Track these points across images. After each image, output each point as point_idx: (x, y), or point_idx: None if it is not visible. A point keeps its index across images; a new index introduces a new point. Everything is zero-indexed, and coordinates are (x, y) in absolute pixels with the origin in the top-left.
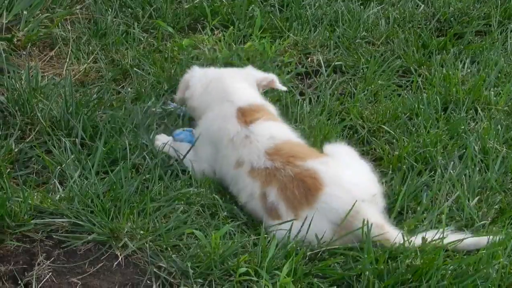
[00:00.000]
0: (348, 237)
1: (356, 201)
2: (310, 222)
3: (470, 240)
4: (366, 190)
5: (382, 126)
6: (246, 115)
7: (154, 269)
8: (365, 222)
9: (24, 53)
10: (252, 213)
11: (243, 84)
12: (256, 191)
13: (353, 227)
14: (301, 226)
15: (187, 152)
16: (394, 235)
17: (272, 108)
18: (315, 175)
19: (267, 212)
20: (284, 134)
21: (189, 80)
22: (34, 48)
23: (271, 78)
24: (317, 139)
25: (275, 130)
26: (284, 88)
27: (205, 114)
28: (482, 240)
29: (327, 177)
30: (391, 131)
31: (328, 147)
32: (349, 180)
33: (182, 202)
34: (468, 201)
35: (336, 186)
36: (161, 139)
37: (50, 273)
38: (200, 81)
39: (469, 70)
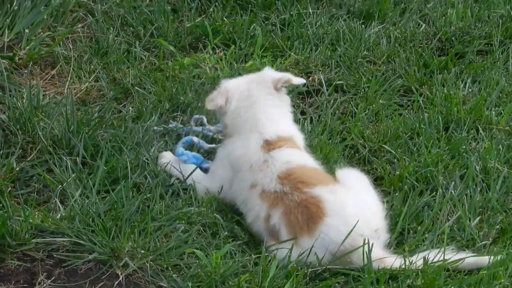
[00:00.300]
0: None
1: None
2: (311, 249)
3: (471, 260)
4: (368, 225)
5: (383, 145)
6: (270, 144)
7: None
8: (365, 241)
9: (26, 71)
10: (256, 234)
11: (276, 110)
12: (262, 212)
13: (351, 262)
14: (302, 253)
15: (191, 174)
16: (393, 263)
17: (299, 139)
18: (320, 203)
19: (269, 234)
20: (301, 160)
21: (228, 91)
22: (36, 67)
23: (286, 77)
24: (318, 159)
25: (293, 156)
26: (302, 81)
27: (233, 138)
28: (483, 259)
29: (331, 207)
30: (392, 151)
31: (341, 173)
32: (352, 213)
33: (183, 222)
34: (469, 221)
35: (338, 218)
36: (166, 157)
37: None
38: (236, 94)
39: (470, 90)
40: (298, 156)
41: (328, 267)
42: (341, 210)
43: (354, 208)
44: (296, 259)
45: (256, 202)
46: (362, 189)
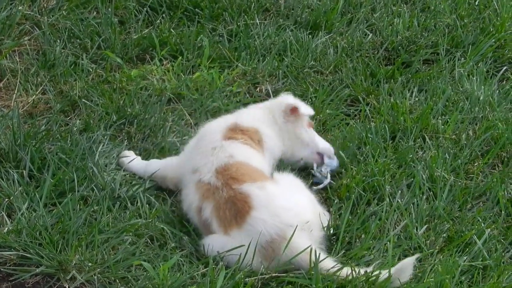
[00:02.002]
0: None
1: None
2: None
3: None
4: (297, 216)
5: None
6: (232, 131)
7: None
8: (311, 250)
9: None
10: (192, 221)
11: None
12: (194, 202)
13: (281, 253)
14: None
15: (152, 174)
16: (327, 265)
17: (265, 135)
18: (247, 198)
19: (202, 226)
20: (244, 156)
21: None
22: None
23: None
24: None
25: (239, 151)
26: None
27: None
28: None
29: (257, 200)
30: (340, 157)
31: (277, 175)
32: (280, 205)
33: (131, 234)
34: (416, 229)
35: (264, 210)
36: (128, 155)
37: None
38: None
39: (417, 99)
40: (244, 152)
41: (273, 275)
42: (268, 203)
43: (283, 200)
44: (229, 252)
45: (192, 190)
46: (294, 187)
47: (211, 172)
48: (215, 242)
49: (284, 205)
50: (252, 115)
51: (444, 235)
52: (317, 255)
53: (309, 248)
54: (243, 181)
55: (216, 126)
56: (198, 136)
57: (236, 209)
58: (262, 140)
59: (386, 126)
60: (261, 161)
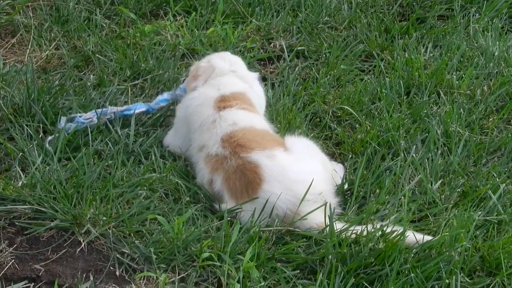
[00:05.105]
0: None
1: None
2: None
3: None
4: (310, 188)
5: (346, 107)
6: (223, 101)
7: (117, 255)
8: (326, 205)
9: None
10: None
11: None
12: (205, 176)
13: (294, 225)
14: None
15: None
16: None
17: (255, 97)
18: (256, 169)
19: (216, 197)
20: (248, 121)
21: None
22: None
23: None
24: (282, 125)
25: (240, 117)
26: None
27: (191, 93)
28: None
29: (268, 172)
30: (354, 112)
31: (289, 139)
32: (291, 177)
33: (145, 188)
34: (431, 184)
35: (276, 183)
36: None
37: (13, 260)
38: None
39: (431, 54)
40: (246, 117)
41: (289, 228)
42: (280, 175)
43: (295, 172)
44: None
45: (201, 166)
46: (307, 154)
47: (217, 143)
48: None
49: (296, 177)
50: (231, 82)
51: (459, 190)
52: (332, 220)
53: (322, 218)
54: (251, 149)
55: (204, 101)
56: (188, 115)
57: (246, 180)
58: (251, 101)
59: (401, 82)
60: (262, 122)
